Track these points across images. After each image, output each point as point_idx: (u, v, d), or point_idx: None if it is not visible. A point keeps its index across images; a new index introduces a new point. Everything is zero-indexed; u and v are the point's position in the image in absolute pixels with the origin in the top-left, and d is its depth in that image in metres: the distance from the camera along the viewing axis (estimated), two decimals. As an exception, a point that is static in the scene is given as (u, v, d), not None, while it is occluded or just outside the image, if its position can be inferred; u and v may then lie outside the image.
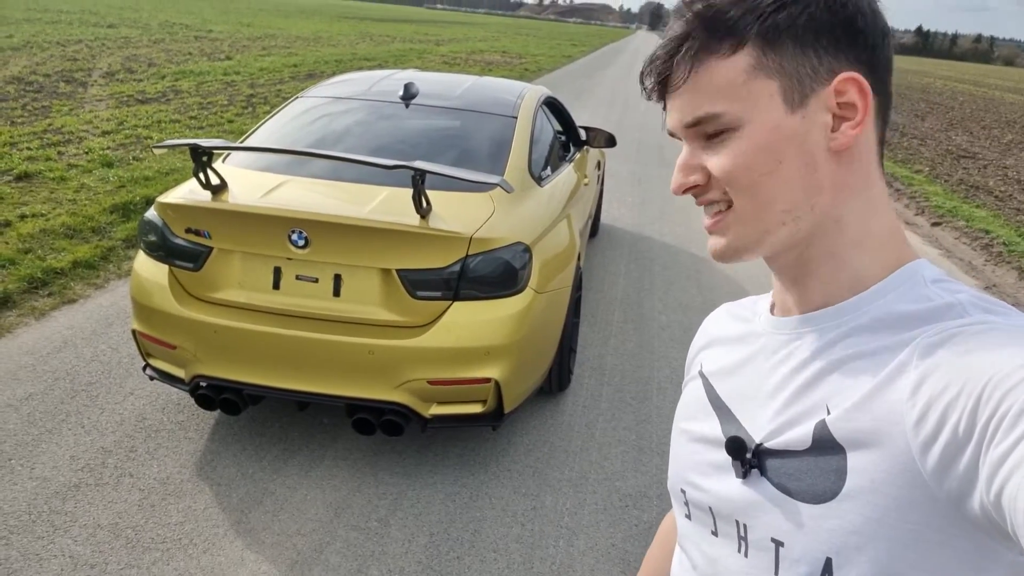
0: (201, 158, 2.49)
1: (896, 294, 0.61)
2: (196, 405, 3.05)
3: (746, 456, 0.64)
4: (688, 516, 0.75)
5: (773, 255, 0.65)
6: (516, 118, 3.33)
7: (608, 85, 20.07)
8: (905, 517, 0.54)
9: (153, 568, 2.22)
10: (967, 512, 0.51)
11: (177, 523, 2.41)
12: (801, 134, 0.60)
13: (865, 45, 0.60)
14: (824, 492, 0.57)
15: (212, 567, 2.24)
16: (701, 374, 0.79)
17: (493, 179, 2.53)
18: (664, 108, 0.66)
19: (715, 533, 0.70)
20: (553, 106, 4.20)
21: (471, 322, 2.49)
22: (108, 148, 7.14)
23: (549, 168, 3.47)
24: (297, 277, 2.52)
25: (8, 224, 4.90)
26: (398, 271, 2.44)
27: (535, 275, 2.64)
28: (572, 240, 3.19)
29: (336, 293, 2.50)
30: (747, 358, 0.72)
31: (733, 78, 0.60)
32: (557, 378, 3.18)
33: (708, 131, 0.62)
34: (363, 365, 2.46)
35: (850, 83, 0.59)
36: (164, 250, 2.62)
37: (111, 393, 3.13)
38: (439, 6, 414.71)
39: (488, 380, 2.51)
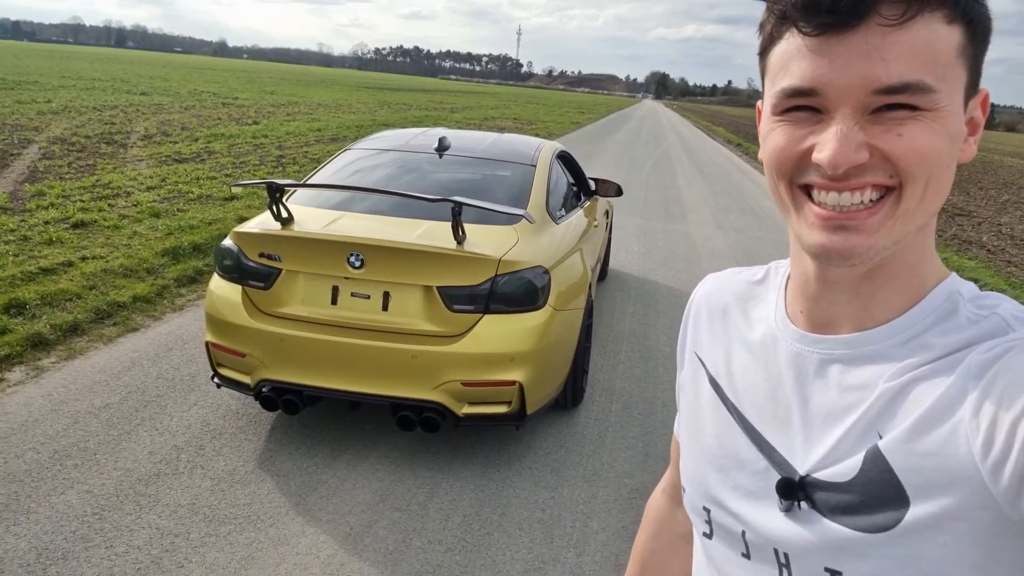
0: (275, 194, 2.98)
1: (938, 314, 0.58)
2: (253, 412, 3.47)
3: (797, 495, 0.60)
4: (708, 535, 0.70)
5: (875, 263, 0.58)
6: (535, 166, 3.84)
7: (615, 149, 20.92)
8: (974, 539, 0.52)
9: (229, 537, 2.60)
10: None
11: (245, 504, 2.80)
12: (961, 135, 0.56)
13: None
14: (884, 521, 0.54)
15: (278, 537, 2.62)
16: (710, 377, 0.73)
17: (519, 211, 3.01)
18: (811, 47, 0.53)
19: (747, 556, 0.65)
20: (566, 159, 4.72)
21: (499, 332, 2.91)
22: (154, 201, 7.75)
23: (564, 210, 3.95)
24: (352, 294, 2.97)
25: (71, 264, 5.42)
26: (438, 288, 2.89)
27: (553, 294, 3.08)
28: (585, 270, 3.64)
29: (385, 308, 2.95)
30: (770, 372, 0.66)
31: (949, 51, 0.52)
32: (572, 394, 3.57)
33: (905, 102, 0.52)
34: (406, 368, 2.88)
35: (986, 99, 0.57)
36: (238, 272, 3.08)
37: (178, 404, 3.54)
38: (452, 77, 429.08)
39: (513, 383, 2.92)
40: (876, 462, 0.55)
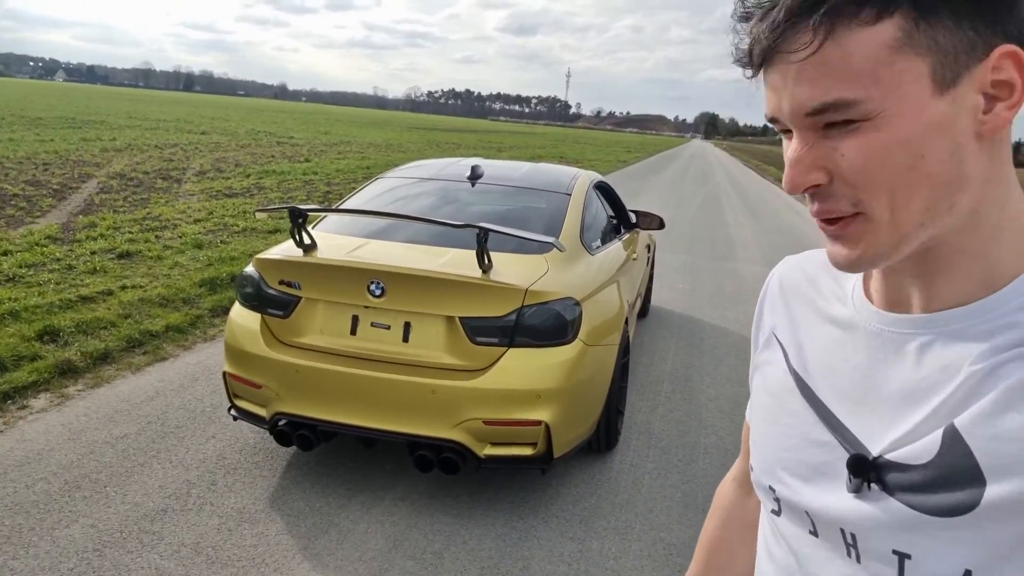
0: (297, 220, 2.88)
1: None
2: (271, 447, 3.33)
3: (868, 474, 0.58)
4: (777, 512, 0.69)
5: (904, 257, 0.58)
6: (570, 195, 3.68)
7: (661, 187, 20.68)
8: None
9: (229, 581, 2.43)
10: None
11: (251, 545, 2.63)
12: (949, 120, 0.52)
13: (1021, 17, 0.52)
14: (959, 504, 0.52)
15: (281, 583, 2.43)
16: (785, 356, 0.72)
17: (548, 239, 2.83)
18: (765, 81, 0.57)
19: (814, 533, 0.64)
20: (605, 190, 4.55)
21: (524, 367, 2.72)
22: (199, 233, 7.85)
23: (600, 241, 3.76)
24: (372, 324, 2.82)
25: (111, 293, 5.45)
26: (461, 319, 2.72)
27: (584, 328, 2.88)
28: (620, 304, 3.43)
29: (405, 339, 2.79)
30: (847, 353, 0.64)
31: (875, 54, 0.51)
32: (605, 436, 3.33)
33: (835, 119, 0.53)
34: (426, 404, 2.70)
35: (1008, 58, 0.51)
36: (258, 300, 2.97)
37: (195, 436, 3.43)
38: (502, 118, 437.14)
39: (539, 423, 2.71)
40: (954, 444, 0.53)
